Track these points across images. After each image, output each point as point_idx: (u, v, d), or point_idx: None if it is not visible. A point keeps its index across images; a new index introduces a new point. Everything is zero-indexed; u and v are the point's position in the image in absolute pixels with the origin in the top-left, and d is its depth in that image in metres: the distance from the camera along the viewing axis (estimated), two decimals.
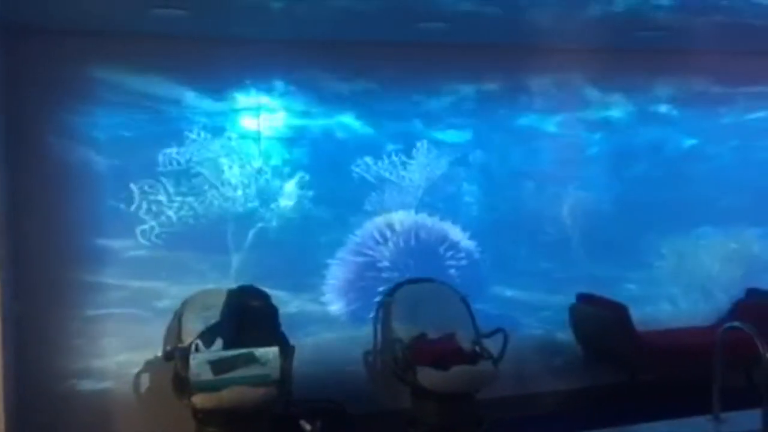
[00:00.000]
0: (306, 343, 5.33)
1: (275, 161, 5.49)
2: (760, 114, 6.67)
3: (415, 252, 5.78)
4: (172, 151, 5.22)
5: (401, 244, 5.76)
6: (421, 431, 5.08)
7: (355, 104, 5.63)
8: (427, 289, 5.59)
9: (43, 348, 4.99)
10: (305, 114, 5.54)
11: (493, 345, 5.21)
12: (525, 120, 6.05)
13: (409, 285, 5.60)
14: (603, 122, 6.24)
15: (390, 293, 5.57)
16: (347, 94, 5.60)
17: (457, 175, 5.88)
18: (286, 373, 4.79)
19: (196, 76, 5.26)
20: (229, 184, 5.38)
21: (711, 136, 6.52)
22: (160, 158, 5.20)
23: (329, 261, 5.62)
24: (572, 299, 5.99)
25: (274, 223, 5.49)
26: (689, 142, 6.48)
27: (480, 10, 4.59)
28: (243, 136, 5.41)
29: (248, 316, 5.11)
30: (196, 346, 4.83)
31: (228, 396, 4.53)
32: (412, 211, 5.80)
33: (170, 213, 5.24)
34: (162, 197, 5.21)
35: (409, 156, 5.76)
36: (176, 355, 4.79)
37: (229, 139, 5.37)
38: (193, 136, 5.27)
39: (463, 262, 5.88)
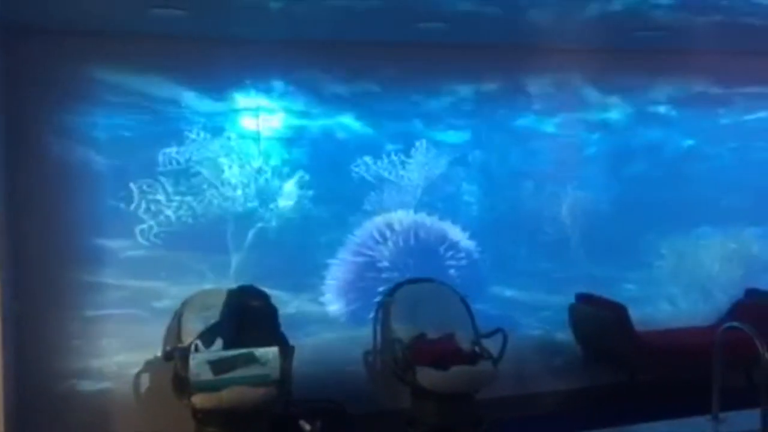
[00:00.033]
0: (306, 343, 5.33)
1: (275, 161, 5.49)
2: (760, 114, 6.68)
3: (414, 252, 5.79)
4: (172, 150, 5.23)
5: (401, 243, 5.76)
6: (421, 431, 5.09)
7: (355, 104, 5.63)
8: (426, 289, 5.60)
9: (42, 348, 4.99)
10: (304, 114, 5.54)
11: (492, 345, 5.22)
12: (524, 120, 6.05)
13: (409, 285, 5.60)
14: (602, 122, 6.24)
15: (390, 293, 5.57)
16: (346, 94, 5.60)
17: (456, 175, 5.88)
18: (286, 373, 4.79)
19: (195, 76, 5.26)
20: (229, 184, 5.38)
21: (710, 135, 6.52)
22: (160, 158, 5.20)
23: (329, 261, 5.62)
24: (572, 299, 5.99)
25: (274, 223, 5.49)
26: (688, 142, 6.48)
27: (479, 10, 4.59)
28: (242, 136, 5.41)
29: (248, 317, 5.11)
30: (196, 346, 4.83)
31: (228, 396, 4.53)
32: (411, 211, 5.80)
33: (169, 212, 5.23)
34: (161, 197, 5.21)
35: (409, 155, 5.76)
36: (176, 355, 4.78)
37: (229, 138, 5.37)
38: (193, 135, 5.27)
39: (463, 262, 5.89)
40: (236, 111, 5.40)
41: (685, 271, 6.47)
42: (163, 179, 5.21)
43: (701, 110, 6.48)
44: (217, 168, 5.35)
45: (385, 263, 5.73)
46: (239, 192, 5.41)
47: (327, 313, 5.61)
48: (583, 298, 5.94)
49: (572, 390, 6.08)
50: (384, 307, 5.55)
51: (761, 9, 4.75)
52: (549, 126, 6.10)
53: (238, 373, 4.64)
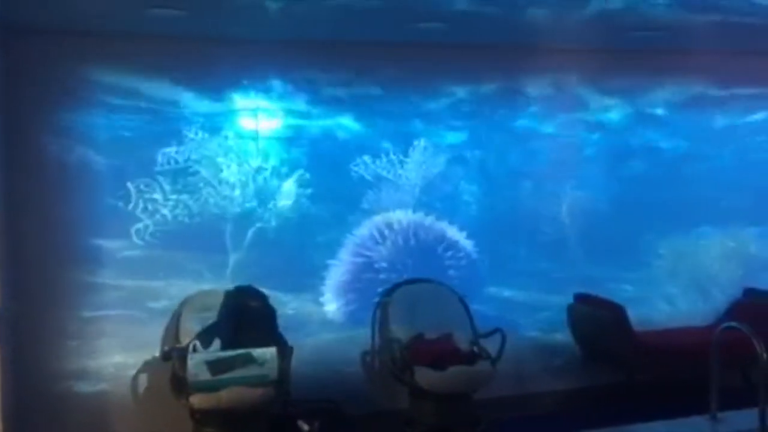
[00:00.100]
0: (304, 344, 5.33)
1: (273, 161, 5.49)
2: (759, 114, 6.68)
3: (413, 252, 5.79)
4: (171, 150, 5.22)
5: (399, 242, 5.76)
6: (419, 431, 5.09)
7: (354, 104, 5.63)
8: (424, 289, 5.60)
9: (40, 349, 4.99)
10: (303, 113, 5.54)
11: (490, 345, 5.22)
12: (523, 120, 6.05)
13: (407, 285, 5.60)
14: (601, 122, 6.24)
15: (388, 293, 5.57)
16: (345, 94, 5.60)
17: (455, 175, 5.89)
18: (284, 374, 4.79)
19: (194, 76, 5.26)
20: (227, 183, 5.38)
21: (709, 135, 6.53)
22: (159, 158, 5.20)
23: (328, 261, 5.62)
24: (570, 299, 5.99)
25: (273, 223, 5.49)
26: (687, 142, 6.48)
27: (479, 9, 4.59)
28: (241, 136, 5.41)
29: (246, 317, 5.11)
30: (194, 346, 4.83)
31: (226, 396, 4.52)
32: (410, 211, 5.80)
33: (166, 212, 5.23)
34: (158, 195, 5.21)
35: (407, 155, 5.76)
36: (174, 355, 4.78)
37: (227, 138, 5.37)
38: (191, 135, 5.27)
39: (461, 262, 5.89)
40: (235, 111, 5.40)
41: (684, 271, 6.48)
42: (161, 179, 5.21)
43: (701, 110, 6.48)
44: (215, 168, 5.34)
45: (384, 264, 5.73)
46: (237, 192, 5.41)
47: (325, 313, 5.61)
48: (582, 298, 5.95)
49: (570, 390, 6.08)
50: (382, 308, 5.55)
51: (761, 9, 4.75)
52: (548, 126, 6.10)
53: (237, 373, 4.64)
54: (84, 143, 5.06)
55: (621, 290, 6.15)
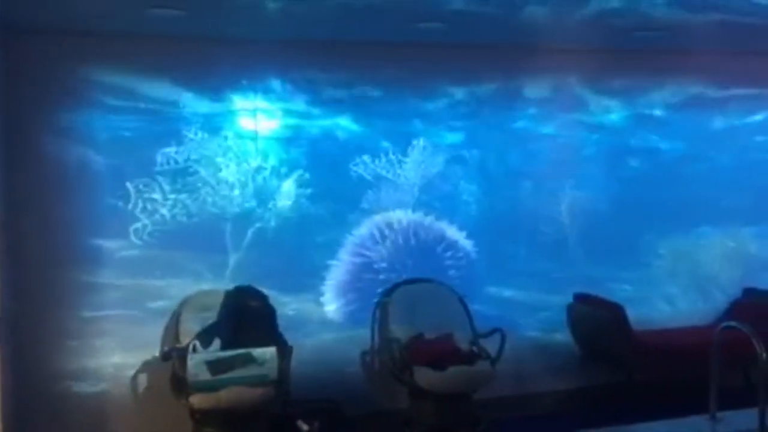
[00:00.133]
0: (304, 344, 5.33)
1: (273, 161, 5.49)
2: (759, 114, 6.68)
3: (412, 251, 5.79)
4: (171, 150, 5.22)
5: (399, 242, 5.76)
6: (419, 431, 5.09)
7: (353, 104, 5.63)
8: (424, 289, 5.60)
9: (40, 349, 4.99)
10: (302, 113, 5.54)
11: (490, 345, 5.22)
12: (523, 120, 6.05)
13: (407, 285, 5.60)
14: (600, 122, 6.24)
15: (387, 293, 5.57)
16: (345, 94, 5.60)
17: (454, 175, 5.89)
18: (284, 374, 4.79)
19: (194, 76, 5.26)
20: (227, 183, 5.38)
21: (708, 135, 6.53)
22: (159, 158, 5.20)
23: (327, 262, 5.62)
24: (570, 299, 5.99)
25: (272, 223, 5.49)
26: (686, 142, 6.48)
27: (478, 9, 4.59)
28: (240, 136, 5.41)
29: (246, 317, 5.11)
30: (194, 346, 4.83)
31: (226, 396, 4.52)
32: (409, 211, 5.80)
33: (164, 211, 5.23)
34: (157, 195, 5.21)
35: (407, 155, 5.76)
36: (174, 355, 4.79)
37: (226, 138, 5.37)
38: (191, 135, 5.27)
39: (461, 262, 5.89)
40: (234, 111, 5.39)
41: (683, 271, 6.48)
42: (161, 179, 5.21)
43: (700, 110, 6.48)
44: (215, 168, 5.34)
45: (383, 264, 5.73)
46: (237, 192, 5.41)
47: (325, 313, 5.61)
48: (581, 298, 5.95)
49: (570, 390, 6.08)
50: (382, 308, 5.55)
51: (761, 9, 4.75)
52: (548, 126, 6.10)
53: (236, 373, 4.64)
54: (84, 143, 5.06)
55: (621, 290, 6.16)
